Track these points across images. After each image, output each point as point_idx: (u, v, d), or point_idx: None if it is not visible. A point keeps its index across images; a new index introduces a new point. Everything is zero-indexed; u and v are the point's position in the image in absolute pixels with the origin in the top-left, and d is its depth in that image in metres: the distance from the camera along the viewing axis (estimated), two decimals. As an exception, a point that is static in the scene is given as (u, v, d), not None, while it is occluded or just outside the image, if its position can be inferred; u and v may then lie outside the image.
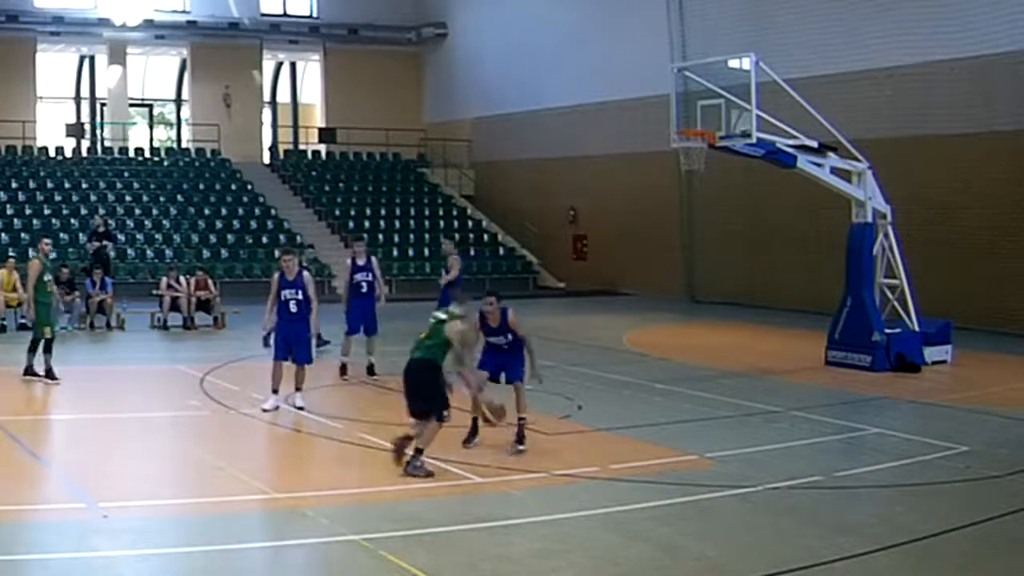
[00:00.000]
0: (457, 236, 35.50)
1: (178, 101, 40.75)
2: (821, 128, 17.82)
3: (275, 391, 13.58)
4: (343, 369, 16.40)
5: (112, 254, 25.44)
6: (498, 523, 8.72)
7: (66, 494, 9.71)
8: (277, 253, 18.16)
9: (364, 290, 16.41)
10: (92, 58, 38.57)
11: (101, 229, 25.19)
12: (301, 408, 13.51)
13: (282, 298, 13.60)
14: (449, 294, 15.78)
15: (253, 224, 33.70)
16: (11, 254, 23.33)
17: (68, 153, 35.67)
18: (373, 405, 14.34)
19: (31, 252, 28.89)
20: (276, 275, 13.87)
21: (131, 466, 11.04)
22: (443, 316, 10.91)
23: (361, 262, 16.45)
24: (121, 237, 29.97)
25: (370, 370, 16.38)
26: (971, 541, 8.59)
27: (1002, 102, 22.76)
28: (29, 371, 15.21)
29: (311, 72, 42.25)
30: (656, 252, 31.00)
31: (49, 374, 15.13)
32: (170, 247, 31.07)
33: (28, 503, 9.38)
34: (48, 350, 15.14)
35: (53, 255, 28.42)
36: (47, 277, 15.46)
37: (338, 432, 12.31)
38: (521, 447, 11.44)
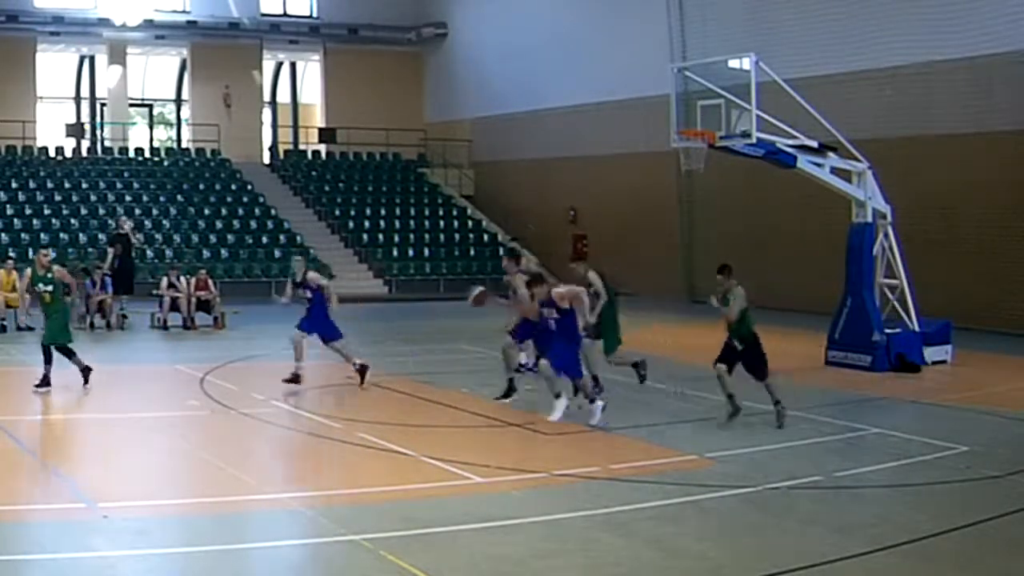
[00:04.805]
0: (457, 236, 35.63)
1: (178, 101, 40.73)
2: (821, 128, 17.80)
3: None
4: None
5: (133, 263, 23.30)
6: (498, 523, 8.70)
7: (66, 494, 9.70)
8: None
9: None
10: (92, 58, 38.55)
11: (122, 231, 23.53)
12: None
13: None
14: None
15: (253, 224, 33.68)
16: (11, 254, 23.25)
17: (68, 153, 35.65)
18: (373, 405, 14.34)
19: (31, 253, 29.06)
20: None
21: (131, 466, 11.03)
22: None
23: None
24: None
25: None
26: (971, 541, 8.58)
27: (1002, 102, 22.75)
28: None
29: (311, 72, 42.23)
30: (656, 252, 30.98)
31: None
32: (170, 247, 31.05)
33: (28, 503, 9.38)
34: None
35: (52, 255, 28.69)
36: None
37: (338, 432, 12.30)
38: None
